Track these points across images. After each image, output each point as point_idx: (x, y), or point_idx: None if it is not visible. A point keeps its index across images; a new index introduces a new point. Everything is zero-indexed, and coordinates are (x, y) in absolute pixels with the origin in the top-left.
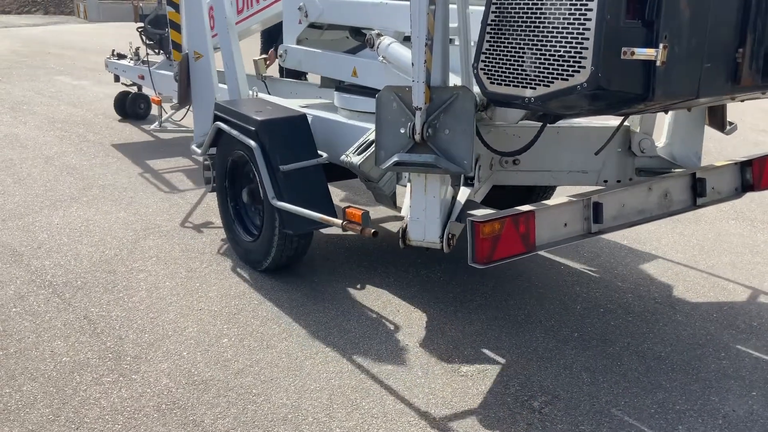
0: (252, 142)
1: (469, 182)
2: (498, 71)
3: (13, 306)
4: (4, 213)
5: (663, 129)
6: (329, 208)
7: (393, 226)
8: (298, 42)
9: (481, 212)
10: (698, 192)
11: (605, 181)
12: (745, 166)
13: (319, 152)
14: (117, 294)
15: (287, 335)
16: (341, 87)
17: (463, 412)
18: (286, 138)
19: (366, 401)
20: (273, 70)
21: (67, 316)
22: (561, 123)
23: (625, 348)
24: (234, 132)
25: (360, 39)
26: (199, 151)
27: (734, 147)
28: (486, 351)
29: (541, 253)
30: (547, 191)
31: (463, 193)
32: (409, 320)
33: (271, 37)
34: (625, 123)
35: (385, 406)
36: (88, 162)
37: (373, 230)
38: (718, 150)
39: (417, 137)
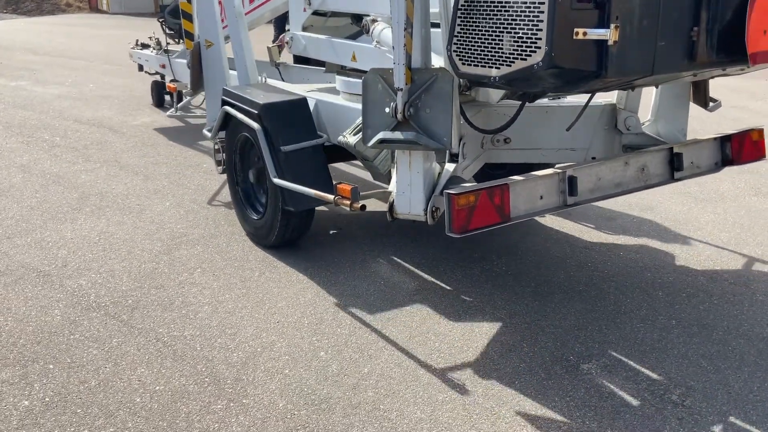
0: (255, 124)
1: (454, 159)
2: (468, 53)
3: (70, 333)
4: (6, 229)
5: (649, 107)
6: (328, 186)
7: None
8: (304, 29)
9: (458, 186)
10: (675, 166)
11: (593, 158)
12: (724, 141)
13: (319, 133)
14: (179, 311)
15: (384, 343)
16: (342, 71)
17: (611, 412)
18: (287, 120)
19: (504, 408)
20: (289, 58)
21: (138, 340)
22: (549, 102)
23: (727, 332)
24: (240, 115)
25: (361, 25)
26: (209, 134)
27: (718, 124)
28: (596, 346)
29: (586, 238)
30: (543, 169)
31: (448, 169)
32: (512, 315)
33: (283, 25)
34: (612, 101)
35: (525, 410)
36: (70, 168)
37: (361, 204)
38: (704, 129)
39: (399, 116)
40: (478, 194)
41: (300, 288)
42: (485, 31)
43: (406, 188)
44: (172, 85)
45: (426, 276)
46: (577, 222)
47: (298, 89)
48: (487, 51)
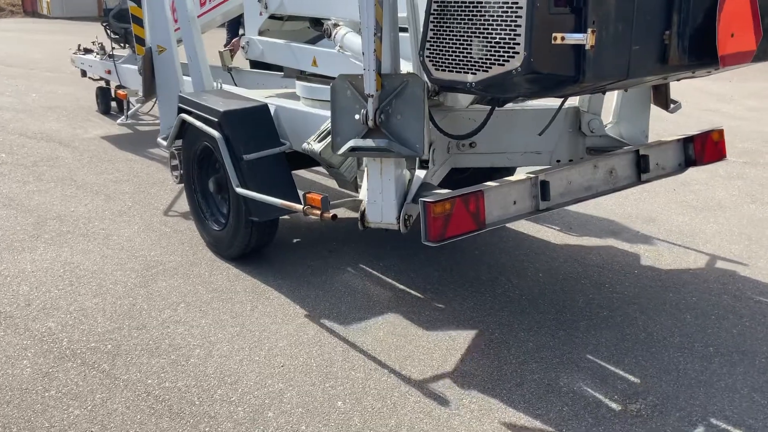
0: (215, 133)
1: (424, 165)
2: (442, 58)
3: (44, 389)
4: None
5: (611, 109)
6: (293, 195)
7: None
8: (260, 33)
9: (433, 193)
10: (642, 168)
11: (558, 161)
12: (687, 142)
13: (282, 141)
14: (167, 357)
15: (406, 388)
16: (302, 76)
17: None
18: (249, 128)
19: None
20: (241, 62)
21: (125, 395)
22: (514, 106)
23: None
24: (198, 123)
25: (320, 29)
26: (164, 143)
27: (683, 127)
28: (639, 382)
29: (594, 256)
30: (509, 172)
31: (419, 176)
32: (540, 348)
33: (237, 29)
34: (575, 104)
35: None
36: (21, 189)
37: (332, 214)
38: (669, 131)
39: (370, 123)
40: (453, 201)
41: (300, 323)
42: (460, 35)
43: (377, 196)
44: (122, 92)
45: (438, 304)
46: (580, 236)
47: (257, 95)
48: (462, 56)
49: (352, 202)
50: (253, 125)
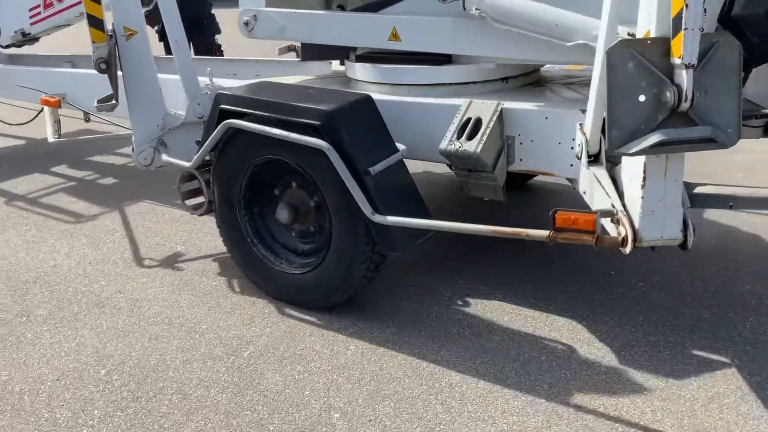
0: (321, 142)
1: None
2: None
3: None
4: None
5: None
6: (425, 211)
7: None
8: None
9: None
10: None
11: None
12: None
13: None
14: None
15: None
16: (365, 56)
17: None
18: (363, 130)
19: None
20: None
21: None
22: None
23: None
24: (274, 131)
25: None
26: (145, 162)
27: None
28: None
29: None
30: None
31: None
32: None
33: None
34: None
35: None
36: None
37: (622, 237)
38: None
39: (685, 105)
40: None
41: (340, 350)
42: None
43: (656, 205)
44: (52, 98)
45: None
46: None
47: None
48: None
49: (609, 213)
50: (366, 126)
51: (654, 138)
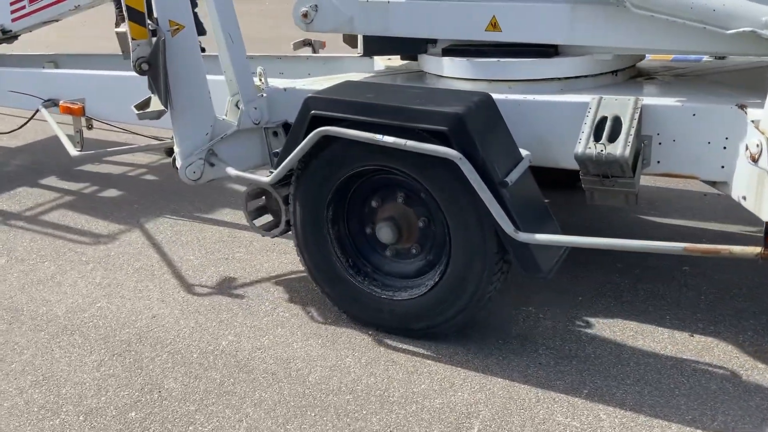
0: (451, 151)
1: None
2: None
3: None
4: None
5: None
6: (554, 224)
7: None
8: None
9: None
10: None
11: None
12: None
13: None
14: None
15: None
16: (455, 50)
17: None
18: (491, 135)
19: None
20: None
21: None
22: None
23: None
24: (389, 140)
25: None
26: (194, 176)
27: None
28: None
29: None
30: None
31: None
32: None
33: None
34: None
35: None
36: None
37: None
38: None
39: None
40: None
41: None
42: None
43: None
44: (75, 105)
45: None
46: None
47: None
48: None
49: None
50: (493, 130)
51: None
